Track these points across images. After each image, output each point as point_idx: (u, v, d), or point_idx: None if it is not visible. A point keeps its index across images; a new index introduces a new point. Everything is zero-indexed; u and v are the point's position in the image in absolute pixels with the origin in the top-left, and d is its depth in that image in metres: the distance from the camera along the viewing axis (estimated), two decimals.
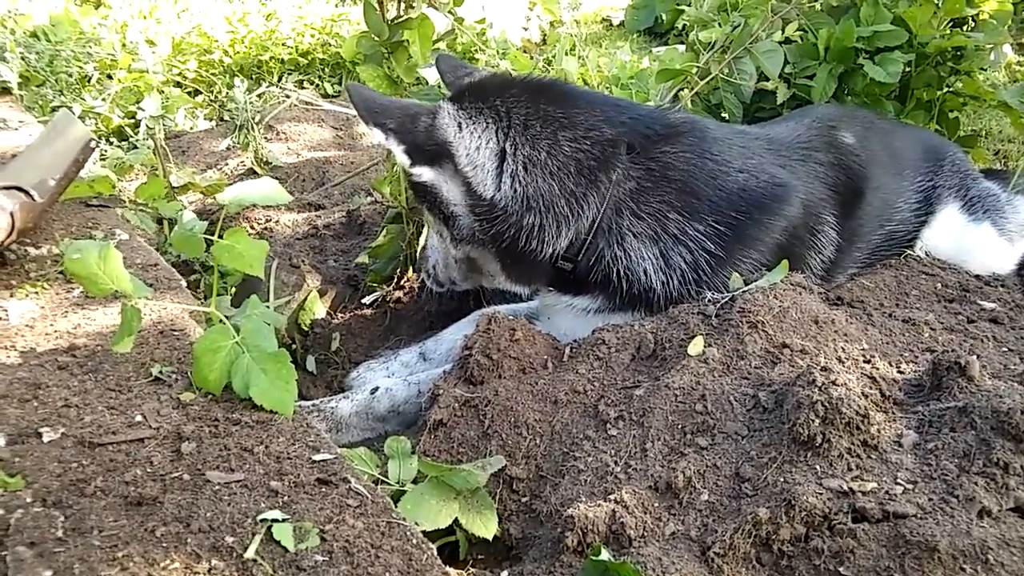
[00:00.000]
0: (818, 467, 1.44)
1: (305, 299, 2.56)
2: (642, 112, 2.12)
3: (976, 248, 2.57)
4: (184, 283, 2.16)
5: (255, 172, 3.49)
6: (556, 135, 1.96)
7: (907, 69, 3.00)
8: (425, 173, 1.97)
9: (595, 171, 1.95)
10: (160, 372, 1.69)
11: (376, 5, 2.37)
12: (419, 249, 2.28)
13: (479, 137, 1.95)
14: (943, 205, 2.58)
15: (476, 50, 4.98)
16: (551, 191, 1.93)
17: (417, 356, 2.33)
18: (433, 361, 2.31)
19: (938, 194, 2.58)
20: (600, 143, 1.97)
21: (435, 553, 1.38)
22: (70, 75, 4.21)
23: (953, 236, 2.57)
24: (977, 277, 2.45)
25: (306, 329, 2.54)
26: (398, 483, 1.66)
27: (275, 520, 1.33)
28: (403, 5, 2.46)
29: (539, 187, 1.93)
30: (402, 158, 1.95)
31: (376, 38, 2.38)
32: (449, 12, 2.47)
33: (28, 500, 1.30)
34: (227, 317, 1.66)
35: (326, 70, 4.96)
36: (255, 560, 1.26)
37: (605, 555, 1.35)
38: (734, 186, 2.03)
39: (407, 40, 2.31)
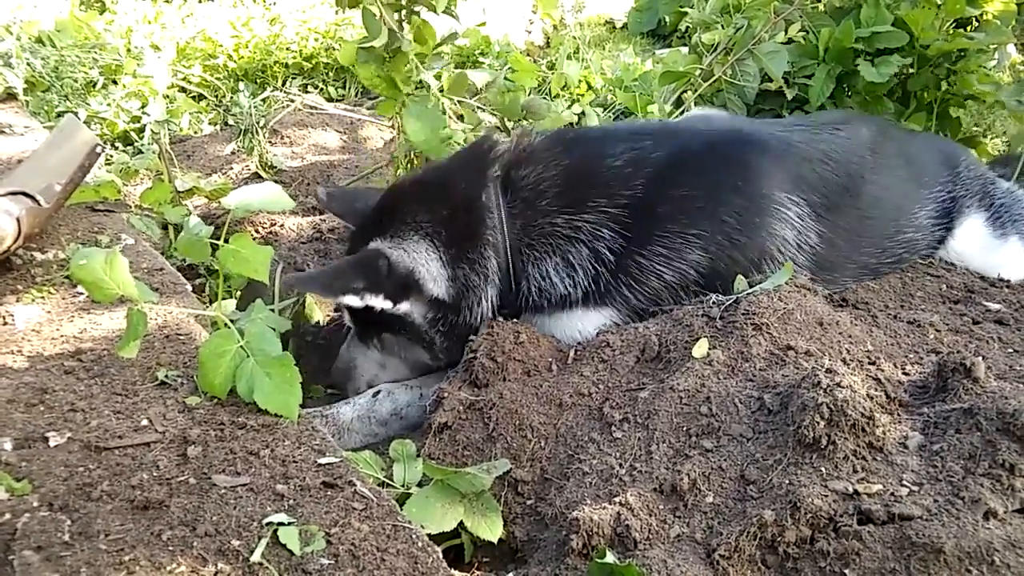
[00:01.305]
0: (823, 469, 1.44)
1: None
2: (488, 153, 2.15)
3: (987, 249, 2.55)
4: (189, 287, 2.17)
5: (260, 176, 3.49)
6: (450, 225, 2.04)
7: (909, 71, 3.00)
8: (403, 306, 2.04)
9: (481, 234, 2.04)
10: (166, 376, 1.69)
11: (375, 10, 2.37)
12: (337, 372, 2.31)
13: (423, 254, 2.03)
14: (950, 209, 2.55)
15: (479, 53, 5.00)
16: (470, 271, 2.04)
17: None
18: None
19: (959, 203, 2.54)
20: (472, 208, 2.05)
21: (440, 556, 1.38)
22: (75, 80, 4.22)
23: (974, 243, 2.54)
24: (982, 278, 2.44)
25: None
26: (403, 486, 1.67)
27: (281, 523, 1.33)
28: (404, 12, 2.47)
29: (466, 273, 2.03)
30: (385, 304, 2.00)
31: (376, 44, 2.38)
32: (447, 13, 2.46)
33: (35, 504, 1.30)
34: (232, 321, 1.66)
35: (330, 74, 4.97)
36: (261, 563, 1.26)
37: (610, 558, 1.35)
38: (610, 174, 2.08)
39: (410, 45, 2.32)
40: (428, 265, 2.02)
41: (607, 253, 2.02)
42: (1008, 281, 2.42)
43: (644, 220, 2.02)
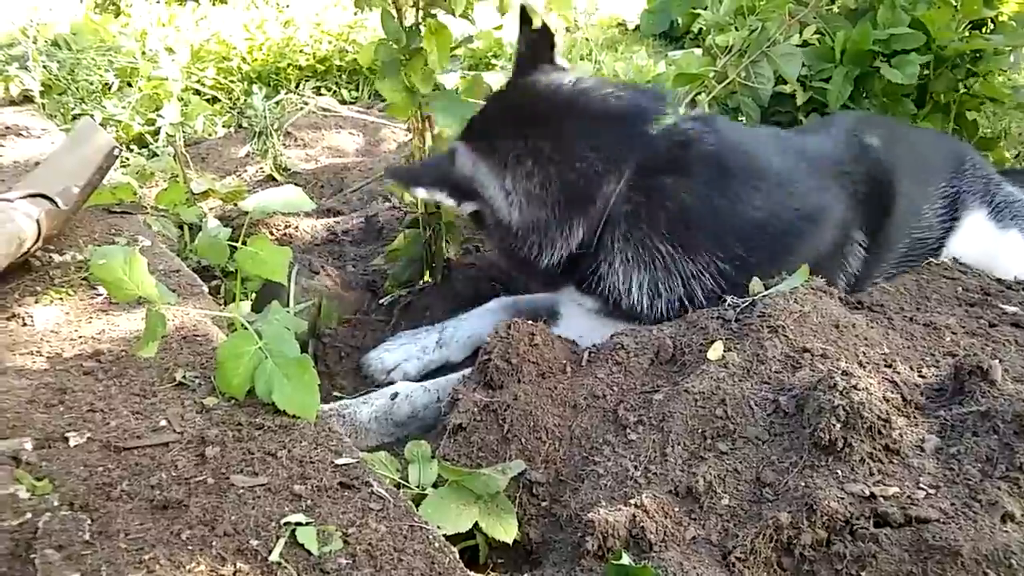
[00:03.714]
0: (839, 472, 1.44)
1: (320, 304, 2.57)
2: (644, 132, 2.11)
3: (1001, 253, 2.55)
4: (206, 289, 2.18)
5: (274, 178, 3.51)
6: (548, 171, 2.08)
7: (925, 72, 2.99)
8: (467, 207, 2.20)
9: (585, 201, 2.06)
10: (184, 377, 1.70)
11: (393, 12, 2.37)
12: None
13: (488, 174, 2.13)
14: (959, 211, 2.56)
15: (492, 56, 5.01)
16: (547, 219, 2.09)
17: (435, 343, 2.38)
18: (448, 347, 2.38)
19: (963, 199, 2.56)
20: (589, 178, 2.06)
21: (457, 556, 1.39)
22: (91, 83, 4.26)
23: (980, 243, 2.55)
24: (999, 281, 2.43)
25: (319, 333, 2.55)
26: (419, 487, 1.67)
27: (299, 523, 1.34)
28: (420, 12, 2.47)
29: (538, 216, 2.10)
30: (449, 202, 2.19)
31: (393, 45, 2.38)
32: (463, 17, 2.46)
33: (55, 504, 1.32)
34: (249, 322, 1.67)
35: (344, 77, 4.99)
36: (279, 563, 1.27)
37: (625, 560, 1.35)
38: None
39: (424, 48, 2.32)
40: (489, 187, 2.13)
41: (700, 296, 2.03)
42: None
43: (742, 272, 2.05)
